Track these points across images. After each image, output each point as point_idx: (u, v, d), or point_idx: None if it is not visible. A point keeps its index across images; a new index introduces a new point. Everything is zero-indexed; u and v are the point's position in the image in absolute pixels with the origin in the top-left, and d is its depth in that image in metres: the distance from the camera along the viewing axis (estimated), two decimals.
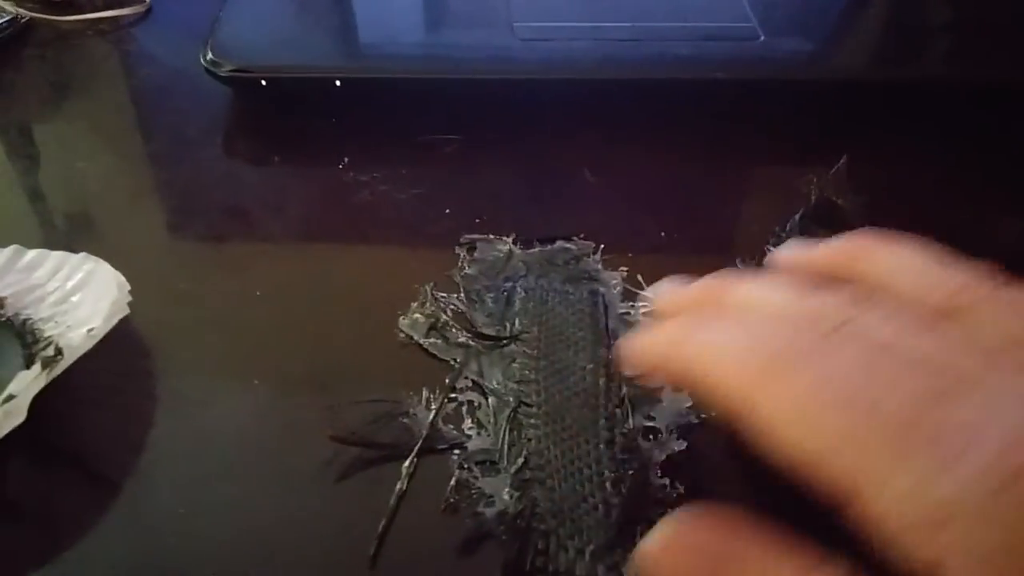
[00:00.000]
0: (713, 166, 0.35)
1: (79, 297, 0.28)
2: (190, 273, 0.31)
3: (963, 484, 0.14)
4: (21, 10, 0.43)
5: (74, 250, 0.29)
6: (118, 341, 0.28)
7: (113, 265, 0.28)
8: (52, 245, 0.30)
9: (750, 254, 0.31)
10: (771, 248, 0.31)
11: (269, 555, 0.23)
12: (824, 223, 0.32)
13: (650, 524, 0.23)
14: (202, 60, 0.37)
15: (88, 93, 0.42)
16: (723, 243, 0.32)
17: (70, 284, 0.28)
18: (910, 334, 0.17)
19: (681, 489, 0.24)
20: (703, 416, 0.26)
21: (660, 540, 0.18)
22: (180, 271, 0.31)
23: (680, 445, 0.25)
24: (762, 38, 0.39)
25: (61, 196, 0.36)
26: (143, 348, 0.29)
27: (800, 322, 0.18)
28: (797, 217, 0.32)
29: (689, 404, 0.26)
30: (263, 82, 0.37)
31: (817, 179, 0.33)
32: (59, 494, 0.24)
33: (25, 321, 0.27)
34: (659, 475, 0.24)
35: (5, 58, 0.42)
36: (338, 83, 0.37)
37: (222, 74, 0.37)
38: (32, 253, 0.29)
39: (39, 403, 0.24)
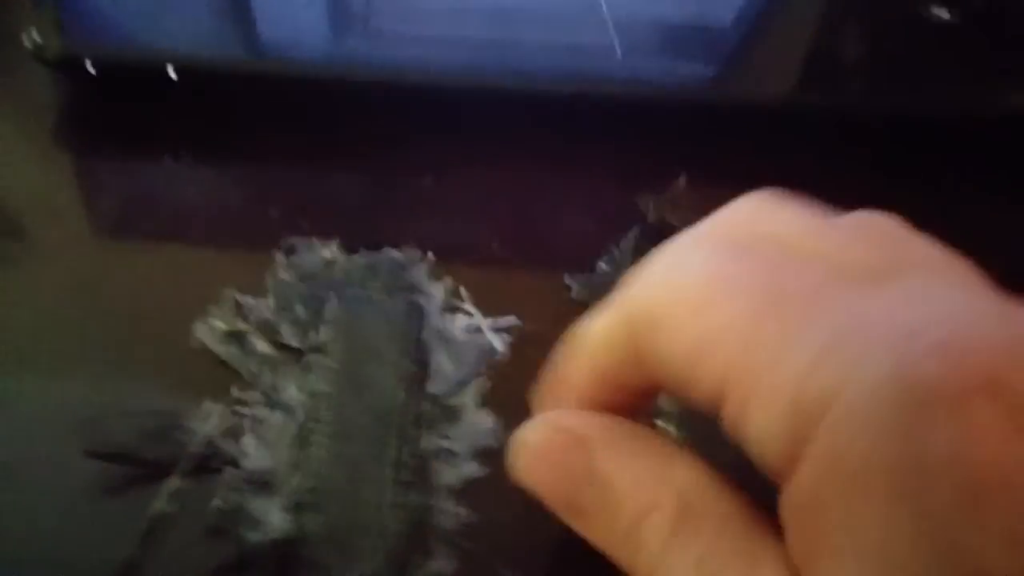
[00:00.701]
0: (557, 180, 0.34)
1: None
2: None
3: (850, 371, 0.12)
4: None
5: None
6: None
7: None
8: None
9: (581, 269, 0.30)
10: (603, 265, 0.31)
11: None
12: (659, 241, 0.31)
13: (424, 551, 0.21)
14: (25, 42, 0.35)
15: None
16: (556, 257, 0.31)
17: None
18: (812, 239, 0.16)
19: (473, 518, 0.22)
20: (505, 439, 0.24)
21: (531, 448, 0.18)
22: None
23: (477, 470, 0.24)
24: (619, 55, 0.38)
25: None
26: None
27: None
28: (632, 235, 0.32)
29: (490, 425, 0.25)
30: (91, 69, 0.35)
31: (654, 198, 0.33)
32: None
33: None
34: (453, 502, 0.23)
35: None
36: (172, 74, 0.35)
37: (48, 58, 0.34)
38: None
39: None
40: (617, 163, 0.35)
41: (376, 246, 0.31)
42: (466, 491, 0.23)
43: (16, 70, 0.38)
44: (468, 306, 0.29)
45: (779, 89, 0.38)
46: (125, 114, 0.36)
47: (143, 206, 0.32)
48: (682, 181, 0.33)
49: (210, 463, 0.23)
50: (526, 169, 0.34)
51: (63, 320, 0.27)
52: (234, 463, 0.23)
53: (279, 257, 0.30)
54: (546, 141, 0.36)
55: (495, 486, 0.23)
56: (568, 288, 0.30)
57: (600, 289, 0.29)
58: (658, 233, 0.32)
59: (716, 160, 0.35)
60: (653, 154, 0.34)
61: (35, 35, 0.35)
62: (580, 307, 0.29)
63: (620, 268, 0.30)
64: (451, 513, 0.22)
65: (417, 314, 0.28)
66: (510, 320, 0.28)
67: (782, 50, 0.40)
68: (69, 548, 0.21)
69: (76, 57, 0.35)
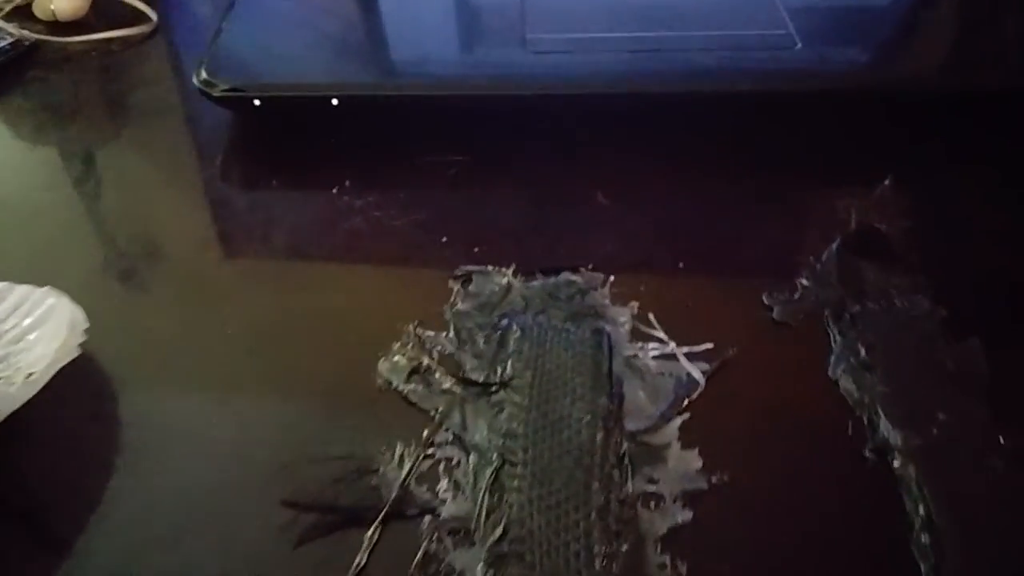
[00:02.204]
0: (738, 189, 0.32)
1: (36, 335, 0.26)
2: (163, 308, 0.29)
3: None
4: (25, 32, 0.42)
5: (41, 283, 0.27)
6: (80, 382, 0.26)
7: (79, 299, 0.26)
8: (20, 277, 0.28)
9: (780, 288, 0.28)
10: (805, 282, 0.28)
11: None
12: (865, 252, 0.28)
13: None
14: (195, 81, 0.35)
15: (88, 116, 0.40)
16: (749, 275, 0.28)
17: (27, 321, 0.26)
18: None
19: (683, 569, 0.20)
20: (714, 480, 0.22)
21: None
22: (152, 306, 0.29)
23: (685, 515, 0.21)
24: (799, 46, 0.35)
25: (44, 223, 0.34)
26: (106, 389, 0.26)
27: None
28: (835, 246, 0.29)
29: (699, 466, 0.22)
30: (256, 102, 0.35)
31: (857, 202, 0.29)
32: (3, 553, 0.22)
33: None
34: (658, 551, 0.21)
35: (7, 81, 0.41)
36: (335, 102, 0.35)
37: (215, 95, 0.35)
38: None
39: None
40: (810, 166, 0.32)
41: (554, 270, 0.29)
42: (676, 539, 0.21)
43: (182, 109, 0.39)
44: (658, 332, 0.26)
45: (997, 76, 0.33)
46: (289, 148, 0.36)
47: (311, 239, 0.32)
48: (888, 182, 0.30)
49: (406, 510, 0.22)
50: (707, 179, 0.32)
51: (242, 358, 0.27)
52: (431, 510, 0.22)
53: (454, 287, 0.29)
54: (726, 147, 0.33)
55: (706, 534, 0.21)
56: (768, 308, 0.27)
57: (804, 308, 0.27)
58: (862, 241, 0.29)
59: (925, 157, 0.32)
60: (851, 154, 0.31)
61: (204, 73, 0.35)
62: (783, 328, 0.26)
63: (823, 283, 0.28)
64: (663, 565, 0.20)
65: (605, 343, 0.26)
66: (706, 346, 0.26)
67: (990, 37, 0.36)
68: None
69: (242, 91, 0.35)
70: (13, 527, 0.23)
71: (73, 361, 0.25)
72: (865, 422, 0.24)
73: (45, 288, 0.27)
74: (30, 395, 0.23)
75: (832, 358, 0.25)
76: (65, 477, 0.24)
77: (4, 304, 0.27)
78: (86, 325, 0.25)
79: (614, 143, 0.34)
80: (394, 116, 0.36)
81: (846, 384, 0.24)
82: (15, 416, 0.23)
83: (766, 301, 0.27)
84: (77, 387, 0.26)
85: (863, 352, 0.25)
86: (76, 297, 0.26)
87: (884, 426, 0.23)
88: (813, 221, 0.29)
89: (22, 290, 0.27)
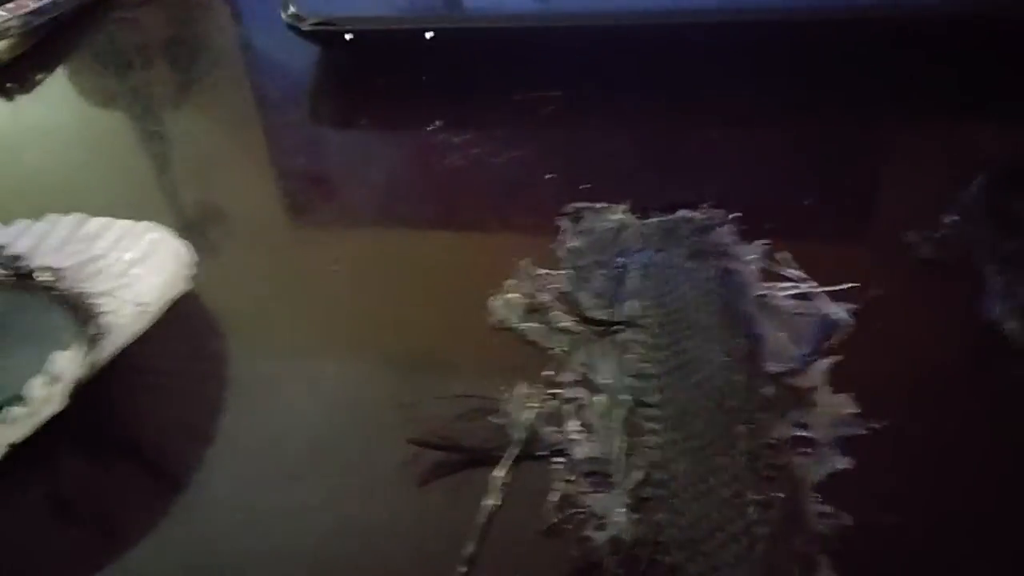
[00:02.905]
0: (868, 119, 0.29)
1: (140, 270, 0.25)
2: (265, 246, 0.28)
3: None
4: None
5: (140, 219, 0.26)
6: (185, 319, 0.25)
7: (182, 236, 0.25)
8: (119, 213, 0.27)
9: (920, 227, 0.25)
10: (951, 219, 0.26)
11: (337, 573, 0.19)
12: (1015, 186, 0.26)
13: (806, 563, 0.18)
14: (283, 15, 0.34)
15: (174, 57, 0.39)
16: (885, 212, 0.26)
17: (129, 255, 0.25)
18: None
19: (847, 520, 0.19)
20: (873, 426, 0.20)
21: None
22: (255, 244, 0.28)
23: (843, 462, 0.20)
24: None
25: (135, 161, 0.33)
26: (212, 327, 0.25)
27: None
28: (982, 180, 0.26)
29: (851, 410, 0.21)
30: (348, 36, 0.34)
31: (1003, 134, 0.27)
32: (115, 490, 0.22)
33: (80, 295, 0.24)
34: (818, 500, 0.19)
35: (93, 21, 0.40)
36: (428, 35, 0.33)
37: (305, 29, 0.34)
38: (96, 222, 0.27)
39: (98, 389, 0.21)
40: (952, 94, 0.30)
41: (670, 207, 0.27)
42: (833, 488, 0.19)
43: (266, 48, 0.38)
44: (793, 271, 0.25)
45: None
46: (379, 85, 0.35)
47: (410, 178, 0.31)
48: None
49: (536, 450, 0.21)
50: (832, 110, 0.30)
51: (347, 296, 0.26)
52: (561, 452, 0.21)
53: (566, 224, 0.27)
54: (853, 74, 0.31)
55: (868, 483, 0.20)
56: (910, 246, 0.25)
57: (951, 246, 0.25)
58: (1011, 175, 0.26)
59: None
60: (996, 80, 0.28)
61: (292, 7, 0.34)
62: (930, 267, 0.24)
63: (971, 220, 0.25)
64: (824, 514, 0.19)
65: (735, 282, 0.24)
66: (849, 285, 0.24)
67: None
68: (382, 539, 0.20)
69: (332, 24, 0.34)
70: (130, 463, 0.22)
71: (178, 300, 0.24)
72: None
73: (145, 223, 0.26)
74: (142, 326, 0.22)
75: (993, 298, 0.23)
76: (177, 414, 0.23)
77: (104, 240, 0.26)
78: (193, 259, 0.24)
79: (726, 74, 0.32)
80: (487, 51, 0.34)
81: (1011, 325, 0.22)
82: (125, 353, 0.22)
83: (909, 238, 0.25)
84: (182, 325, 0.25)
85: None
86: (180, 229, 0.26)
87: None
88: (954, 155, 0.27)
89: (123, 224, 0.26)
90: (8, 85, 0.38)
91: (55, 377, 0.20)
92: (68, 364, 0.20)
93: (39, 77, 0.38)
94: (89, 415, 0.22)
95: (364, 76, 0.35)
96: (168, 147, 0.33)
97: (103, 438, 0.23)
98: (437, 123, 0.32)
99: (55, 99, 0.37)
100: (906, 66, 0.31)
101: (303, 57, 0.36)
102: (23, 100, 0.37)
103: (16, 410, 0.20)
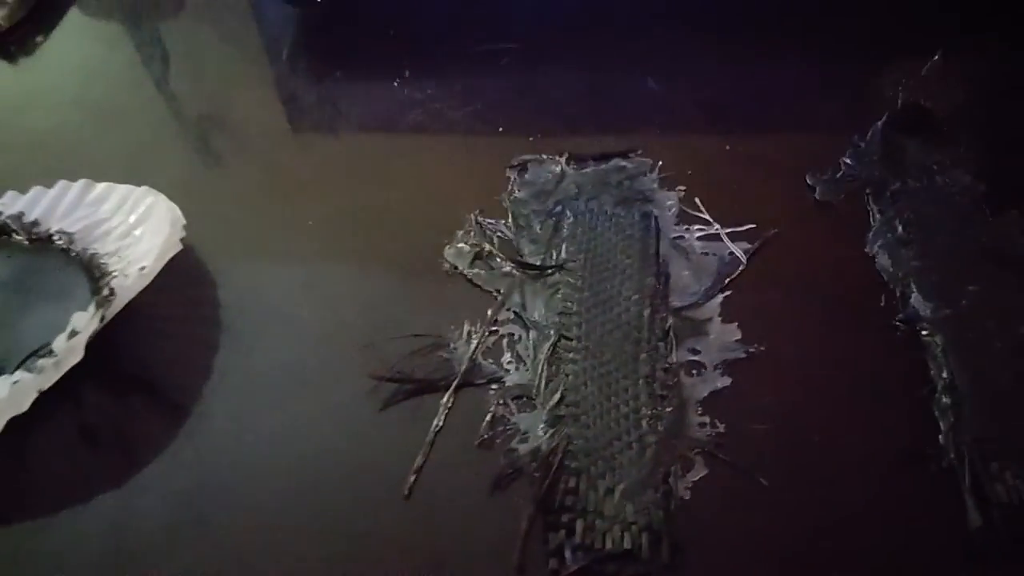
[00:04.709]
0: (788, 68, 0.32)
1: (140, 231, 0.29)
2: (248, 202, 0.32)
3: None
4: None
5: (134, 182, 0.30)
6: (182, 270, 0.29)
7: (172, 196, 0.29)
8: (116, 177, 0.31)
9: (822, 166, 0.29)
10: (847, 160, 0.29)
11: (314, 483, 0.24)
12: (912, 130, 0.29)
13: (684, 463, 0.22)
14: None
15: (161, 15, 0.42)
16: (794, 155, 0.30)
17: (132, 218, 0.29)
18: None
19: (721, 428, 0.23)
20: (751, 350, 0.24)
21: None
22: (238, 200, 0.32)
23: (724, 382, 0.24)
24: None
25: (127, 122, 0.36)
26: (205, 277, 0.29)
27: None
28: (880, 124, 0.29)
29: (737, 337, 0.25)
30: None
31: (904, 80, 0.30)
32: (132, 419, 0.26)
33: (92, 256, 0.28)
34: (699, 412, 0.23)
35: None
36: None
37: None
38: (99, 187, 0.30)
39: (111, 334, 0.26)
40: (857, 41, 0.32)
41: (604, 157, 0.31)
42: (715, 403, 0.24)
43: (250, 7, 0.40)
44: (704, 214, 0.28)
45: None
46: (351, 41, 0.37)
47: (376, 133, 0.34)
48: (938, 58, 0.30)
49: (475, 379, 0.25)
50: (753, 58, 0.32)
51: (322, 247, 0.30)
52: (496, 379, 0.25)
53: (511, 175, 0.31)
54: (773, 24, 0.34)
55: (743, 398, 0.24)
56: (811, 188, 0.28)
57: (846, 187, 0.28)
58: (909, 120, 0.29)
59: (977, 32, 0.32)
60: (899, 28, 0.31)
61: None
62: (824, 208, 0.28)
63: (865, 162, 0.29)
64: (703, 424, 0.23)
65: (652, 226, 0.28)
66: (749, 227, 0.27)
67: None
68: (349, 455, 0.24)
69: None
70: (138, 396, 0.27)
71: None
72: (897, 295, 0.25)
73: (143, 187, 0.30)
74: (143, 285, 0.26)
75: (870, 234, 0.27)
76: (177, 354, 0.28)
77: (108, 203, 0.30)
78: (184, 222, 0.28)
79: (666, 25, 0.35)
80: (449, 4, 0.37)
81: (882, 259, 0.26)
82: (131, 304, 0.26)
83: (809, 181, 0.28)
84: (177, 276, 0.29)
85: (900, 228, 0.26)
86: (167, 194, 0.29)
87: (915, 298, 0.25)
88: (860, 101, 0.30)
89: (123, 189, 0.30)
90: (12, 49, 0.41)
91: (76, 332, 0.24)
92: (86, 320, 0.25)
93: (39, 39, 0.41)
94: (105, 357, 0.26)
95: (337, 33, 0.38)
96: (153, 107, 0.36)
97: (121, 375, 0.27)
98: (403, 76, 0.35)
99: (55, 59, 0.40)
100: (814, 15, 0.33)
101: (283, 17, 0.39)
102: (25, 62, 0.40)
103: (43, 361, 0.24)
